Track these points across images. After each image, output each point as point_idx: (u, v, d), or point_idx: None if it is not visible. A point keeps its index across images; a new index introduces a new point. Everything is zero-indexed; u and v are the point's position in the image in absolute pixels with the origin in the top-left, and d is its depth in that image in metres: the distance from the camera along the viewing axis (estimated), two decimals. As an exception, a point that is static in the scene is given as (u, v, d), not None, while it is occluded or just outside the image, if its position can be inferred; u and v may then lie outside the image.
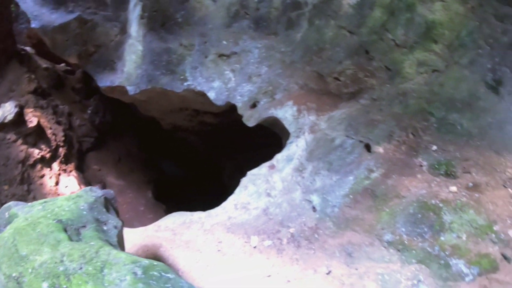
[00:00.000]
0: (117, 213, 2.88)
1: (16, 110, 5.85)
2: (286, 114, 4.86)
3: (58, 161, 6.38)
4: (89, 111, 7.83)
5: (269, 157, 4.84)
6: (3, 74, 6.40)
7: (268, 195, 4.32)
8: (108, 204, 2.79)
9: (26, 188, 5.64)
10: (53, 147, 6.37)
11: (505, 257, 2.88)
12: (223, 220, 4.14)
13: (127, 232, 3.77)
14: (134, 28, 5.45)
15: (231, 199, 4.51)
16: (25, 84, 6.42)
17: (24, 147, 5.88)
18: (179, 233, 4.03)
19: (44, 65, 7.37)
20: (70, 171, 6.50)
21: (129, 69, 5.55)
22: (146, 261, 1.92)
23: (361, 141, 4.34)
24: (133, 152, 7.61)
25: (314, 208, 3.91)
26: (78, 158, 6.89)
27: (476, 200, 3.37)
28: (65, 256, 1.93)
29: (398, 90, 4.44)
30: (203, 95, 5.35)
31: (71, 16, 5.61)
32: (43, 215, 2.31)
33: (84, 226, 2.33)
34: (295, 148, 4.69)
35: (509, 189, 3.48)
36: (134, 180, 7.08)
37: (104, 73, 5.82)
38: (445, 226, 3.18)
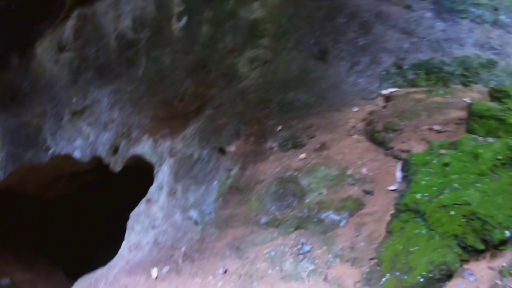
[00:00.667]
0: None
1: None
2: (144, 148, 4.67)
3: None
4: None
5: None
6: None
7: (154, 227, 4.30)
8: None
9: None
10: None
11: (366, 192, 2.98)
12: (123, 265, 4.12)
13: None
14: (-12, 113, 5.38)
15: (124, 244, 4.54)
16: None
17: None
18: (88, 295, 3.92)
19: None
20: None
21: (-9, 156, 5.34)
22: None
23: (214, 148, 4.25)
24: (31, 240, 6.98)
25: (195, 222, 3.96)
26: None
27: (324, 157, 3.44)
28: None
29: (237, 91, 4.38)
30: (69, 157, 5.12)
31: None
32: None
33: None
34: (162, 176, 4.54)
35: (354, 136, 3.49)
36: (41, 268, 6.41)
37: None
38: (305, 189, 3.32)
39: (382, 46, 3.97)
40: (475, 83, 3.74)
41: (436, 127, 3.06)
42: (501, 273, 2.25)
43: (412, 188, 2.67)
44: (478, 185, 2.56)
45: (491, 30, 4.37)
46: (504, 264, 2.33)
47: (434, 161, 2.73)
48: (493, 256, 2.22)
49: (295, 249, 2.99)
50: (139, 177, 5.84)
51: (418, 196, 2.58)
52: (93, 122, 4.99)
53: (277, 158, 3.73)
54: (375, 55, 3.91)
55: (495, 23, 4.48)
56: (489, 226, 2.25)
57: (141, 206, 4.62)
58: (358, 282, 2.39)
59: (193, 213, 4.03)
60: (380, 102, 3.60)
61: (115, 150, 4.87)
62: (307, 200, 3.23)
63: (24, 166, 5.22)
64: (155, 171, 4.63)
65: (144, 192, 5.40)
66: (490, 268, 2.18)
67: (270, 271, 2.94)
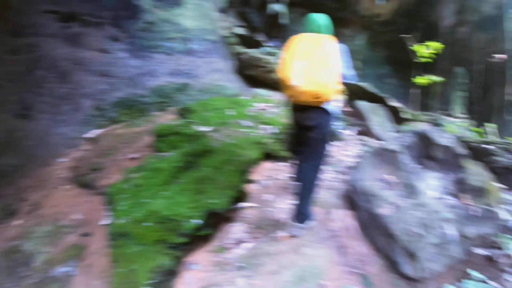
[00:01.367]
0: None
1: None
2: None
3: None
4: None
5: None
6: None
7: None
8: None
9: None
10: None
11: (85, 235, 3.05)
12: None
13: None
14: None
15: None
16: None
17: None
18: None
19: None
20: None
21: None
22: None
23: None
24: None
25: None
26: None
27: (39, 216, 3.31)
28: None
29: None
30: None
31: None
32: None
33: None
34: None
35: (64, 187, 3.48)
36: None
37: None
38: (31, 254, 3.09)
39: (82, 91, 4.13)
40: (171, 106, 4.33)
41: (131, 155, 3.43)
42: (217, 251, 2.82)
43: (116, 216, 2.94)
44: (165, 192, 3.04)
45: (183, 58, 5.16)
46: (216, 244, 2.90)
47: (126, 186, 3.07)
48: (204, 242, 2.82)
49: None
50: None
51: (122, 221, 2.87)
52: None
53: (-4, 232, 3.40)
54: (76, 101, 4.04)
55: (187, 52, 5.31)
56: (179, 222, 2.73)
57: None
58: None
59: None
60: (86, 146, 3.75)
61: None
62: (36, 264, 3.06)
63: None
64: None
65: None
66: (208, 252, 2.78)
67: None
